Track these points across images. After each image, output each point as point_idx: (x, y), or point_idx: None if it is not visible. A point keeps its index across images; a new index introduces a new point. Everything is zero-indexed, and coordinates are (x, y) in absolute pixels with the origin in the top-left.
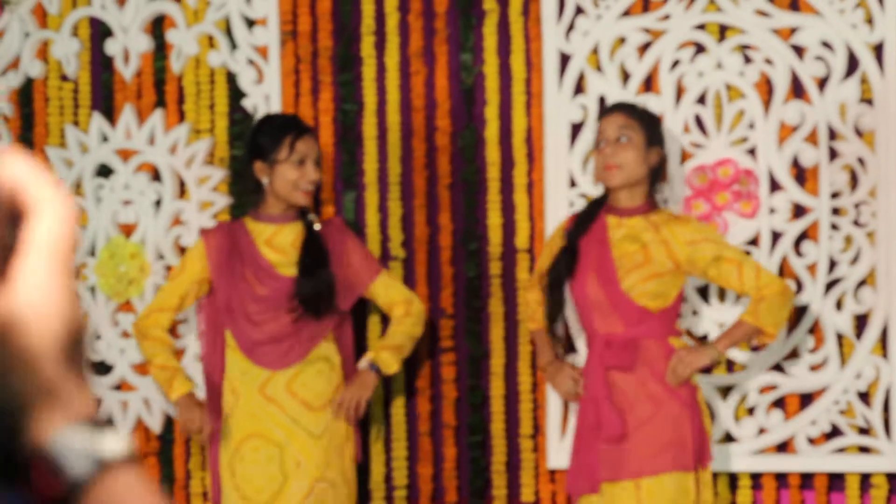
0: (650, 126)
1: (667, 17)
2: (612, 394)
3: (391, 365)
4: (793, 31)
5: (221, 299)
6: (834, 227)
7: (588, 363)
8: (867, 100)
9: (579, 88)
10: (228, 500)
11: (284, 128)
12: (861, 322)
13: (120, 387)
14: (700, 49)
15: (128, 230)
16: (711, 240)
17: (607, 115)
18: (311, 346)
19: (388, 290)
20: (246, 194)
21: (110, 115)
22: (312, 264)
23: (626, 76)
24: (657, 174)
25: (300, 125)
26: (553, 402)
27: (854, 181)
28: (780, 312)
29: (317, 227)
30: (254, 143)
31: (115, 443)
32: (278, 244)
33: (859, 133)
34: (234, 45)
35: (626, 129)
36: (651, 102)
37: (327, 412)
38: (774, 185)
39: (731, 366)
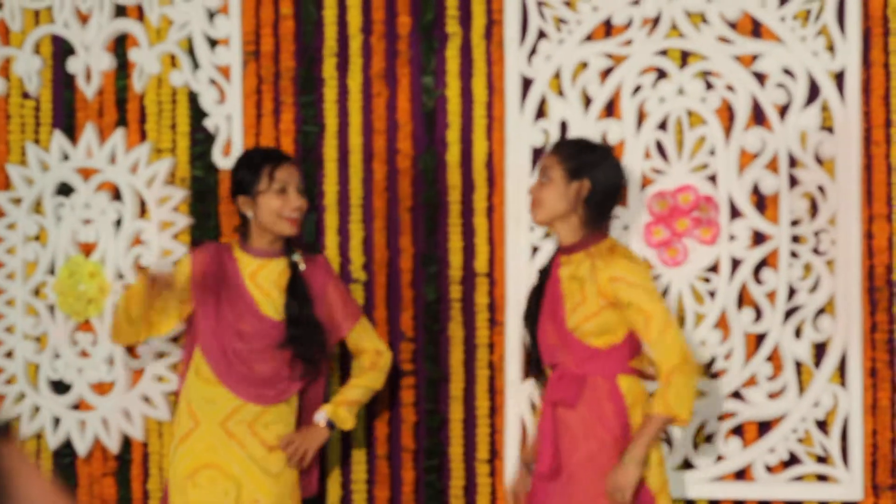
0: (572, 159)
1: (629, 43)
2: (557, 430)
3: (347, 421)
4: (754, 57)
5: (199, 321)
6: (794, 254)
7: (542, 397)
8: (828, 128)
9: (541, 113)
10: None
11: (262, 159)
12: (820, 350)
13: (78, 406)
14: (662, 75)
15: (88, 249)
16: (630, 283)
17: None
18: (289, 393)
19: (361, 337)
20: (215, 212)
21: (71, 133)
22: (298, 310)
23: (587, 101)
24: (593, 206)
25: (278, 155)
26: (511, 426)
27: (814, 209)
28: (689, 394)
29: (301, 267)
30: (235, 178)
31: None
32: (261, 281)
33: (819, 161)
34: (196, 65)
35: (546, 168)
36: (612, 128)
37: (283, 454)
38: (734, 212)
39: None
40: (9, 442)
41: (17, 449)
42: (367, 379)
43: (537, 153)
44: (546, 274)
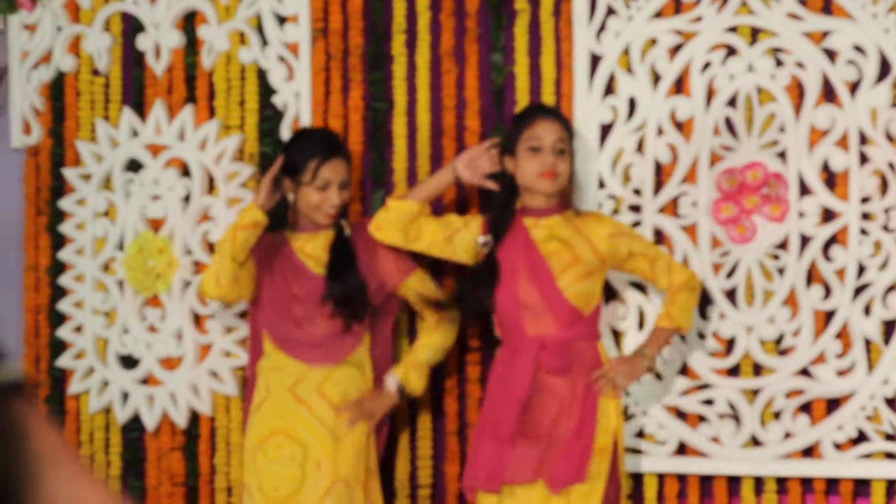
0: (572, 133)
1: (698, 19)
2: (542, 397)
3: (418, 386)
4: (825, 34)
5: (263, 296)
6: (863, 231)
7: (513, 365)
8: None
9: (609, 89)
10: (249, 490)
11: (312, 150)
12: (889, 328)
13: (147, 381)
14: (731, 51)
15: (156, 225)
16: (626, 234)
17: (541, 120)
18: (347, 352)
19: (418, 289)
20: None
21: (140, 110)
22: (339, 267)
23: (656, 78)
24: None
25: (330, 147)
26: None
27: (884, 186)
28: (690, 307)
29: (347, 231)
30: (285, 158)
31: (6, 371)
32: (311, 249)
33: (890, 138)
34: (264, 42)
35: (563, 141)
36: (681, 104)
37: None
38: (804, 189)
39: (757, 369)
40: (23, 400)
41: (31, 407)
42: (434, 338)
43: (605, 130)
44: (499, 236)
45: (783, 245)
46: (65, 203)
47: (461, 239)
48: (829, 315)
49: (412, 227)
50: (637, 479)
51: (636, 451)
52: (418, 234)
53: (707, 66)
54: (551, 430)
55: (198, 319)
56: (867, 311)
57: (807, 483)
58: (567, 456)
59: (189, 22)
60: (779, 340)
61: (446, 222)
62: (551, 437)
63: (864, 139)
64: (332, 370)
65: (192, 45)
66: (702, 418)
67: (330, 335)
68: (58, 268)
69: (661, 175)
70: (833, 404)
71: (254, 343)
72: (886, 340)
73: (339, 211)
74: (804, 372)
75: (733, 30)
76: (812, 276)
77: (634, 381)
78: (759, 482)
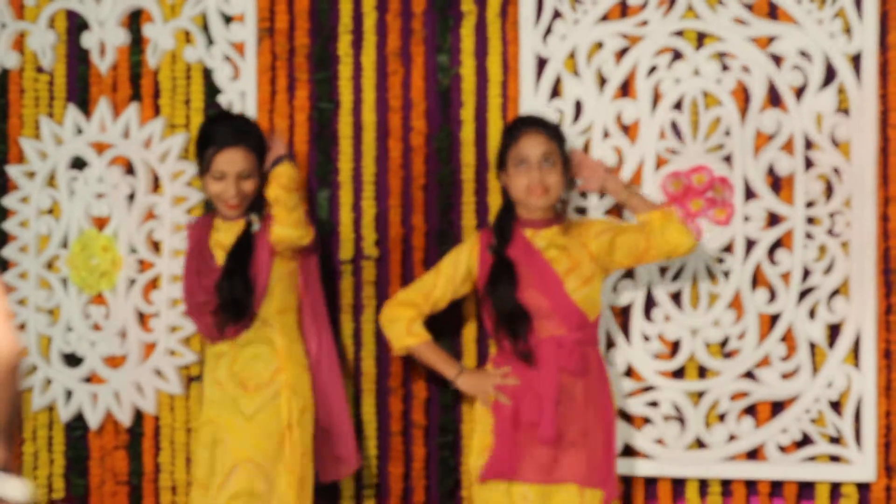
0: (564, 144)
1: (645, 23)
2: (562, 398)
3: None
4: (771, 39)
5: (183, 289)
6: (808, 236)
7: (532, 367)
8: (844, 110)
9: (555, 92)
10: (192, 486)
11: (209, 139)
12: (834, 331)
13: (90, 379)
14: (677, 55)
15: (101, 223)
16: (606, 226)
17: (526, 134)
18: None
19: None
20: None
21: (85, 107)
22: (232, 269)
23: (602, 81)
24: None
25: (226, 137)
26: None
27: (829, 191)
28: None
29: (255, 227)
30: (195, 143)
31: (16, 490)
32: (221, 239)
33: (835, 143)
34: (210, 41)
35: (549, 152)
36: (627, 108)
37: (262, 394)
38: (749, 193)
39: (703, 372)
40: None
41: None
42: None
43: None
44: (503, 247)
45: (728, 248)
46: (8, 200)
47: (462, 271)
48: (774, 318)
49: (427, 310)
50: None
51: None
52: (436, 306)
53: (653, 69)
54: (567, 432)
55: (142, 318)
56: (812, 314)
57: (751, 485)
58: (583, 458)
59: (134, 20)
60: (724, 343)
61: (446, 276)
62: (567, 439)
63: (809, 144)
64: (240, 350)
65: (137, 44)
66: (647, 420)
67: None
68: (1, 265)
69: None
70: (778, 407)
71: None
72: (831, 344)
73: (242, 202)
74: (749, 375)
75: (679, 34)
76: (757, 279)
77: (603, 178)
78: (703, 484)
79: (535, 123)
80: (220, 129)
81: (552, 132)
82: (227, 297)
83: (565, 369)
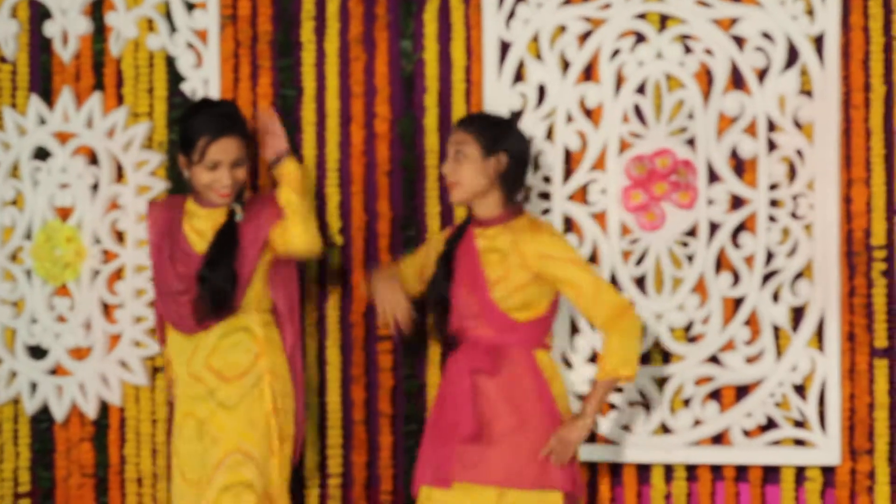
0: (487, 135)
1: (607, 6)
2: (475, 397)
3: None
4: (733, 21)
5: (154, 276)
6: (771, 218)
7: (454, 364)
8: (806, 92)
9: (519, 76)
10: (174, 482)
11: (201, 128)
12: (797, 314)
13: (55, 371)
14: (640, 38)
15: (64, 214)
16: (556, 258)
17: (454, 130)
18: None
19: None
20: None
21: (48, 97)
22: (217, 258)
23: (566, 65)
24: (510, 183)
25: (220, 126)
26: None
27: (792, 173)
28: (627, 352)
29: (238, 217)
30: (180, 132)
31: None
32: (198, 224)
33: (798, 125)
34: (173, 29)
35: (461, 144)
36: (590, 91)
37: (242, 383)
38: (713, 176)
39: (667, 357)
40: None
41: None
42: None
43: (515, 117)
44: (454, 244)
45: (692, 232)
46: None
47: (433, 255)
48: (738, 302)
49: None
50: None
51: None
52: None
53: (616, 53)
54: (475, 427)
55: (107, 309)
56: (776, 297)
57: (716, 470)
58: (500, 459)
59: (97, 9)
60: (688, 328)
61: (420, 254)
62: (486, 438)
63: (772, 126)
64: (216, 343)
65: (100, 32)
66: (612, 406)
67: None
68: None
69: (570, 162)
70: (742, 391)
71: (159, 328)
72: (795, 327)
73: (233, 190)
74: (713, 359)
75: (642, 17)
76: (721, 263)
77: (576, 445)
78: (668, 469)
79: (464, 119)
80: (211, 119)
81: (476, 126)
82: (211, 288)
83: (477, 370)
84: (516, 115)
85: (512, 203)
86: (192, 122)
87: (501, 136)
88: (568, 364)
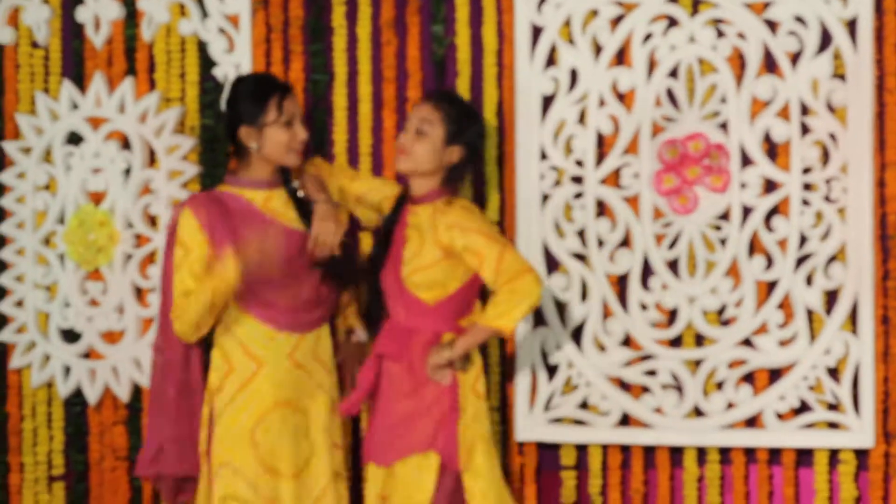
0: (455, 123)
1: None
2: (381, 381)
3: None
4: (766, 5)
5: (246, 275)
6: (805, 202)
7: (374, 346)
8: (840, 75)
9: (551, 61)
10: (246, 472)
11: (268, 88)
12: (831, 298)
13: (88, 355)
14: (673, 23)
15: (97, 198)
16: (462, 227)
17: (419, 103)
18: (331, 311)
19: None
20: (224, 160)
21: (80, 82)
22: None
23: (598, 49)
24: (455, 173)
25: (283, 84)
26: (522, 374)
27: (825, 157)
28: (511, 307)
29: (300, 193)
30: (236, 108)
31: None
32: (275, 206)
33: (831, 109)
34: (205, 14)
35: (426, 121)
36: (622, 76)
37: (333, 374)
38: (746, 160)
39: (700, 340)
40: None
41: None
42: None
43: (547, 101)
44: (393, 221)
45: (725, 216)
46: (5, 177)
47: (376, 198)
48: (772, 285)
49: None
50: (581, 450)
51: (580, 423)
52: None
53: (648, 37)
54: (387, 415)
55: (140, 293)
56: (809, 281)
57: (750, 453)
58: (395, 441)
59: None
60: (721, 311)
61: (374, 181)
62: (388, 421)
63: (805, 110)
64: (318, 333)
65: (131, 17)
66: (645, 389)
67: (319, 296)
68: None
69: (602, 146)
70: (775, 374)
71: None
72: (828, 311)
73: (304, 149)
74: (746, 342)
75: (674, 1)
76: (754, 246)
77: (436, 368)
78: (701, 452)
79: (434, 94)
80: (271, 79)
81: (445, 105)
82: (332, 262)
83: (385, 354)
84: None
85: (447, 187)
86: (253, 88)
87: (467, 129)
88: (601, 347)
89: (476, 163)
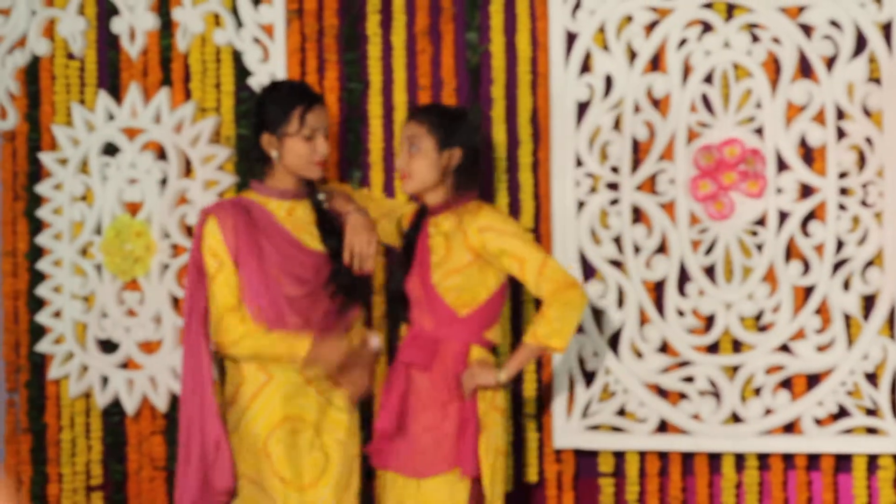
0: (441, 129)
1: None
2: (408, 391)
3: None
4: (801, 9)
5: (245, 278)
6: (841, 207)
7: (398, 353)
8: (875, 79)
9: (585, 67)
10: (263, 483)
11: (294, 99)
12: (868, 302)
13: (126, 365)
14: (707, 28)
15: (133, 209)
16: (497, 230)
17: (404, 123)
18: (348, 328)
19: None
20: (251, 166)
21: (116, 93)
22: (337, 244)
23: (632, 55)
24: (463, 174)
25: (311, 95)
26: (559, 382)
27: (862, 161)
28: (562, 323)
29: (325, 205)
30: (261, 113)
31: None
32: (297, 220)
33: (867, 113)
34: (240, 24)
35: (414, 137)
36: (657, 81)
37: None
38: (781, 165)
39: (737, 346)
40: None
41: None
42: None
43: (582, 108)
44: (415, 233)
45: (761, 221)
46: (42, 188)
47: (396, 217)
48: (809, 291)
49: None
50: (619, 456)
51: (617, 430)
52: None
53: (683, 42)
54: (410, 426)
55: (176, 303)
56: (846, 286)
57: (788, 459)
58: (421, 453)
59: (164, 4)
60: (758, 317)
61: (388, 204)
62: (410, 432)
63: (841, 114)
64: None
65: (167, 28)
66: (682, 396)
67: (328, 316)
68: (36, 253)
69: (638, 152)
70: (813, 380)
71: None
72: (866, 315)
73: (326, 163)
74: (784, 348)
75: (709, 6)
76: (791, 251)
77: (483, 380)
78: (740, 459)
79: (416, 110)
80: (300, 89)
81: (428, 119)
82: (349, 281)
83: (412, 363)
84: (467, 109)
85: (461, 191)
86: (280, 96)
87: (456, 130)
88: (638, 354)
89: (479, 159)
